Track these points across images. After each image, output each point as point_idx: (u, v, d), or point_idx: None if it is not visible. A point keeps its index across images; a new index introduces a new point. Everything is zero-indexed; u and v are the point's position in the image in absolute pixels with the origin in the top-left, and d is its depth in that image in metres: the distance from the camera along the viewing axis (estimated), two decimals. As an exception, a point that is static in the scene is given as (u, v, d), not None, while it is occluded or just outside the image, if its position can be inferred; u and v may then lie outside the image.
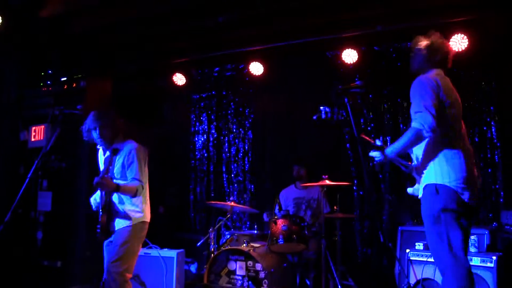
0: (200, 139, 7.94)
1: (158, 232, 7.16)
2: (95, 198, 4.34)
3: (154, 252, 5.94)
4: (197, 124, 7.98)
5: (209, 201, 7.62)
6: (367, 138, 3.72)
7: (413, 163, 3.60)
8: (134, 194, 4.14)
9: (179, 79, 7.37)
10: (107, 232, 4.16)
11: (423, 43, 3.64)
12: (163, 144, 7.99)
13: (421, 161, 3.44)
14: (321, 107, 3.94)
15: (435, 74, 3.51)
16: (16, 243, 6.17)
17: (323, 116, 3.92)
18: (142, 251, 5.95)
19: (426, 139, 3.30)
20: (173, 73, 7.32)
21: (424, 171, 3.40)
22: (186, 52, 6.96)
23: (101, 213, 4.11)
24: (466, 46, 5.66)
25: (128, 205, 4.20)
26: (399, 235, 5.39)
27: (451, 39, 5.69)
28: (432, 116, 3.18)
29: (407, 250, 4.91)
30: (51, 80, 6.67)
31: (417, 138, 3.28)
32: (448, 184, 3.23)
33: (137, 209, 4.22)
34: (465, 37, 5.63)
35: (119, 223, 4.16)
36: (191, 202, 7.89)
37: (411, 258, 4.84)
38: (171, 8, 5.72)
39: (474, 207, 3.31)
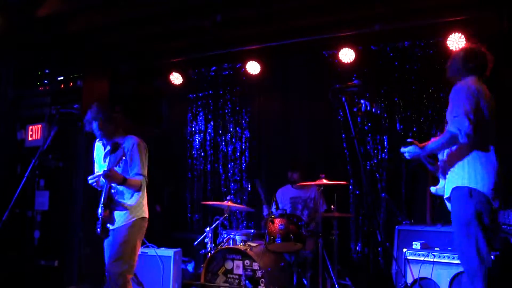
0: (197, 138, 7.94)
1: (155, 231, 7.15)
2: (99, 209, 4.24)
3: (151, 251, 5.93)
4: (194, 123, 7.97)
5: (205, 200, 7.64)
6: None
7: (439, 162, 3.63)
8: (138, 188, 4.15)
9: (176, 78, 7.37)
10: (107, 229, 4.13)
11: (460, 49, 3.70)
12: (160, 143, 7.98)
13: (450, 161, 3.47)
14: (362, 100, 3.99)
15: (474, 81, 3.52)
16: (13, 242, 6.16)
17: (363, 108, 3.97)
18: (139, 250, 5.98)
19: None
20: (170, 72, 7.32)
21: (454, 172, 3.43)
22: (183, 51, 6.97)
23: (102, 208, 4.08)
24: (464, 45, 5.67)
25: (128, 201, 4.18)
26: (396, 235, 5.39)
27: (448, 39, 5.71)
28: (469, 122, 3.21)
29: (404, 250, 4.92)
30: (48, 79, 6.66)
31: (452, 142, 3.34)
32: (481, 189, 3.27)
33: (137, 204, 4.19)
34: (463, 36, 5.64)
35: (119, 220, 4.12)
36: (188, 201, 7.89)
37: (408, 258, 4.84)
38: (167, 8, 5.71)
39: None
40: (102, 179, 4.12)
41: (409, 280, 4.79)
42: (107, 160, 4.21)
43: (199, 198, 7.77)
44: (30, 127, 6.59)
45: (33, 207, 6.45)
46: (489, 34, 5.65)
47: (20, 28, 5.91)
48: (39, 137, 6.49)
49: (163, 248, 6.00)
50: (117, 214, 4.13)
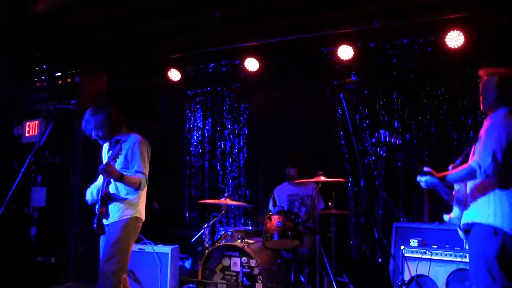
0: (195, 135, 7.93)
1: (152, 228, 7.15)
2: (92, 191, 4.28)
3: (149, 248, 5.93)
4: (192, 120, 7.96)
5: (203, 196, 7.64)
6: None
7: (455, 192, 3.59)
8: (137, 186, 4.08)
9: (174, 74, 7.35)
10: (103, 224, 4.07)
11: (494, 79, 3.44)
12: (158, 140, 7.96)
13: (474, 195, 3.37)
14: (381, 131, 3.94)
15: (509, 113, 3.28)
16: (9, 239, 6.15)
17: (382, 139, 3.91)
18: (136, 246, 5.96)
19: None
20: (168, 68, 7.30)
21: (476, 207, 3.33)
22: (181, 47, 6.95)
23: (99, 204, 4.04)
24: (462, 43, 5.67)
25: (124, 197, 4.12)
26: (393, 232, 5.40)
27: (447, 36, 5.70)
28: (492, 160, 3.10)
29: (402, 247, 4.92)
30: (45, 75, 6.65)
31: (470, 176, 3.25)
32: (507, 230, 3.15)
33: (133, 203, 4.14)
34: (461, 34, 5.64)
35: (114, 215, 4.07)
36: (186, 198, 7.88)
37: (406, 255, 4.85)
38: (166, 4, 5.69)
39: None
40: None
41: (407, 277, 4.79)
42: (107, 156, 4.16)
43: (197, 195, 7.77)
44: (27, 123, 6.57)
45: (30, 203, 6.44)
46: (488, 32, 5.66)
47: (17, 24, 5.89)
48: (36, 133, 6.47)
49: (161, 245, 6.00)
50: (112, 209, 4.08)
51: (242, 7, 5.77)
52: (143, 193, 4.26)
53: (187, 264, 6.55)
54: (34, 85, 6.67)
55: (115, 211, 4.08)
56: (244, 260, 4.96)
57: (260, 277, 4.86)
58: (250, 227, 5.74)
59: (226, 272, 5.01)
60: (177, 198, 7.94)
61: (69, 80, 6.44)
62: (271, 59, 6.94)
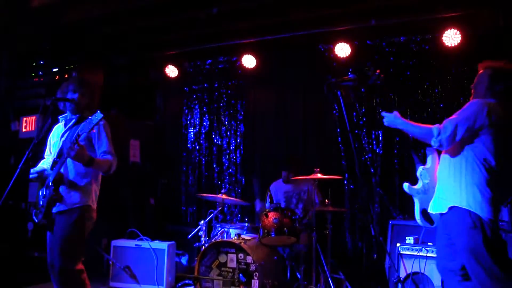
0: (192, 132, 7.93)
1: (149, 224, 7.18)
2: (42, 192, 3.80)
3: (145, 244, 5.94)
4: (189, 116, 7.96)
5: (200, 192, 7.64)
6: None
7: (426, 165, 3.69)
8: (108, 169, 3.75)
9: (171, 71, 7.36)
10: (51, 213, 3.69)
11: (488, 72, 3.51)
12: (154, 135, 7.97)
13: (448, 175, 3.39)
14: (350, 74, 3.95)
15: (495, 105, 3.32)
16: (6, 234, 6.15)
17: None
18: (133, 242, 5.99)
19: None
20: (165, 65, 7.31)
21: (449, 187, 3.35)
22: (179, 44, 6.96)
23: (51, 188, 3.64)
24: (459, 41, 5.69)
25: (79, 182, 3.76)
26: (389, 229, 5.41)
27: (444, 34, 5.72)
28: (452, 132, 3.23)
29: (398, 244, 4.95)
30: (42, 70, 6.64)
31: (426, 136, 3.37)
32: (482, 216, 3.16)
33: (87, 189, 3.78)
34: (458, 32, 5.66)
35: (69, 201, 3.70)
36: (183, 194, 7.89)
37: (402, 252, 4.87)
38: (163, 0, 5.69)
39: None
40: (48, 167, 3.80)
41: (402, 274, 4.82)
42: (64, 136, 3.83)
43: (194, 191, 7.77)
44: (24, 119, 6.58)
45: (27, 199, 6.43)
46: (485, 31, 5.68)
47: (15, 18, 5.88)
48: (33, 129, 6.47)
49: (157, 241, 6.01)
50: (64, 192, 3.70)
51: (239, 4, 5.77)
52: (98, 178, 3.92)
53: (184, 260, 6.56)
54: (32, 80, 6.67)
55: (70, 196, 3.72)
56: (240, 256, 4.97)
57: (257, 273, 4.87)
58: (246, 224, 5.75)
59: (222, 269, 5.02)
60: (174, 194, 7.94)
61: (66, 75, 6.44)
62: (268, 56, 6.95)
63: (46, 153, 4.12)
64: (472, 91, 3.60)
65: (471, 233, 3.17)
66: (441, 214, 3.40)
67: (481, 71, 3.59)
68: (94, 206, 3.86)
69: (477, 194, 3.19)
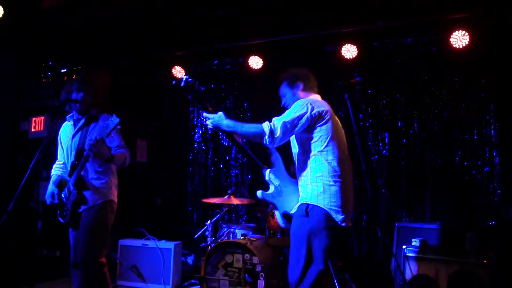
0: (198, 132, 7.95)
1: (155, 224, 7.21)
2: (53, 192, 3.97)
3: (152, 243, 5.98)
4: (196, 117, 7.98)
5: (206, 193, 7.67)
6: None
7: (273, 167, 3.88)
8: (123, 162, 3.90)
9: (178, 71, 7.36)
10: (77, 213, 3.85)
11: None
12: (161, 136, 8.00)
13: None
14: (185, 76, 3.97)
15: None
16: (16, 233, 6.19)
17: (183, 84, 3.94)
18: (139, 242, 6.03)
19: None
20: (172, 65, 7.32)
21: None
22: (185, 45, 6.97)
23: (73, 189, 3.79)
24: (467, 43, 5.66)
25: (97, 181, 3.92)
26: (395, 231, 5.42)
27: (451, 36, 5.69)
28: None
29: (404, 246, 4.95)
30: (51, 71, 6.68)
31: (254, 136, 3.52)
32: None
33: (106, 186, 3.96)
34: (466, 34, 5.62)
35: (91, 200, 3.87)
36: (189, 195, 7.91)
37: (408, 254, 4.87)
38: (170, 1, 5.71)
39: None
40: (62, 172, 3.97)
41: (408, 276, 4.82)
42: (76, 137, 3.93)
43: (200, 192, 7.80)
44: (33, 119, 6.62)
45: (38, 198, 6.48)
46: (493, 32, 5.65)
47: (24, 20, 5.92)
48: (42, 129, 6.51)
49: (164, 241, 6.05)
50: (88, 193, 3.86)
51: (245, 5, 5.79)
52: (115, 175, 4.07)
53: (190, 260, 6.59)
54: (40, 81, 6.72)
55: (91, 196, 3.87)
56: (246, 256, 4.99)
57: (263, 273, 4.88)
58: (252, 224, 5.76)
59: (228, 269, 5.04)
60: (180, 194, 7.97)
61: (74, 76, 6.48)
62: (274, 57, 6.94)
63: (59, 153, 4.20)
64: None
65: None
66: None
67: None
68: (116, 199, 4.05)
69: None
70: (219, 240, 5.33)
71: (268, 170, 3.72)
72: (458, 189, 5.93)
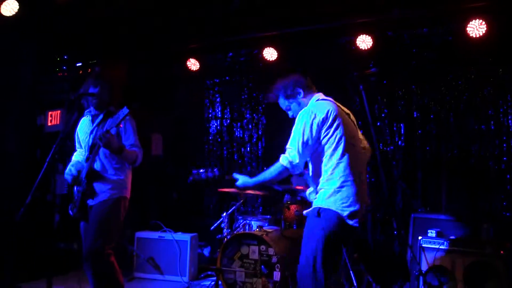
0: (214, 124, 7.97)
1: (172, 216, 7.26)
2: (71, 169, 4.04)
3: (168, 235, 6.03)
4: (211, 109, 8.01)
5: (221, 185, 7.70)
6: None
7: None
8: (134, 161, 3.92)
9: (193, 64, 7.38)
10: (86, 206, 3.89)
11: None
12: (176, 129, 8.04)
13: None
14: (194, 171, 4.02)
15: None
16: (33, 226, 6.28)
17: (196, 177, 4.01)
18: (156, 234, 6.08)
19: None
20: (187, 58, 7.33)
21: None
22: (200, 37, 6.97)
23: (84, 182, 3.84)
24: (484, 32, 5.58)
25: (111, 177, 3.95)
26: (411, 222, 5.40)
27: (468, 25, 5.61)
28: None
29: (419, 237, 4.93)
30: (66, 65, 6.73)
31: (281, 174, 3.56)
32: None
33: (121, 182, 3.99)
34: (484, 22, 5.54)
35: (101, 195, 3.90)
36: (205, 187, 7.94)
37: (423, 245, 4.85)
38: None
39: None
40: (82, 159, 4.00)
41: (424, 267, 4.80)
42: (94, 132, 3.96)
43: (216, 184, 7.82)
44: (50, 113, 6.68)
45: (54, 191, 6.54)
46: (510, 21, 5.57)
47: (40, 14, 5.96)
48: (58, 122, 6.58)
49: (180, 233, 6.10)
50: (98, 188, 3.89)
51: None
52: (130, 172, 4.10)
53: (206, 252, 6.63)
54: (56, 75, 6.77)
55: (102, 190, 3.90)
56: (262, 248, 5.01)
57: (278, 265, 4.90)
58: (268, 216, 5.78)
59: (244, 260, 5.07)
60: (196, 186, 8.00)
61: (89, 70, 6.53)
62: (289, 48, 6.92)
63: (77, 146, 4.29)
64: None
65: None
66: None
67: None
68: (128, 196, 4.07)
69: None
70: (235, 232, 5.36)
71: (307, 192, 3.75)
72: (474, 179, 5.88)
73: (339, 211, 3.33)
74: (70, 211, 4.00)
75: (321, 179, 3.46)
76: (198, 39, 7.02)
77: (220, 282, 4.91)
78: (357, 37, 6.22)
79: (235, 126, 7.79)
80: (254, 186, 3.65)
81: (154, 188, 7.48)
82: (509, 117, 5.83)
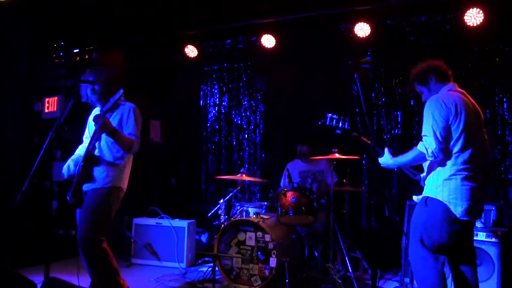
0: (212, 111, 7.99)
1: (169, 202, 7.30)
2: (69, 164, 4.04)
3: (166, 222, 6.06)
4: (209, 96, 8.01)
5: (219, 172, 7.74)
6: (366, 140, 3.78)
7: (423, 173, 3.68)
8: (129, 148, 3.89)
9: (191, 51, 7.37)
10: (81, 191, 3.86)
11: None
12: (175, 116, 8.05)
13: None
14: (328, 114, 3.99)
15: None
16: (31, 212, 6.31)
17: (328, 122, 3.98)
18: (153, 220, 6.12)
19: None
20: (185, 45, 7.32)
21: None
22: (198, 24, 6.95)
23: (80, 165, 3.82)
24: (481, 20, 5.58)
25: (109, 164, 3.95)
26: (407, 210, 5.43)
27: (466, 14, 5.62)
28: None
29: (414, 225, 4.96)
30: (63, 51, 6.71)
31: (420, 160, 3.52)
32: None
33: (118, 171, 3.99)
34: (481, 11, 5.55)
35: (98, 181, 3.90)
36: (203, 173, 7.99)
37: (418, 233, 4.88)
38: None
39: None
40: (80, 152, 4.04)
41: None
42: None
43: (214, 170, 7.87)
44: (47, 99, 6.67)
45: (51, 178, 6.57)
46: (508, 9, 5.57)
47: (36, 0, 5.94)
48: (55, 109, 6.57)
49: (178, 219, 6.14)
50: (97, 172, 3.90)
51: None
52: (129, 162, 4.12)
53: (203, 238, 6.68)
54: (53, 61, 6.74)
55: (98, 177, 3.90)
56: (259, 235, 5.05)
57: (275, 251, 4.95)
58: (265, 203, 5.81)
59: (241, 246, 5.12)
60: (194, 173, 8.05)
61: (87, 56, 6.51)
62: (287, 36, 6.91)
63: (85, 136, 4.31)
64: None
65: None
66: None
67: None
68: (125, 187, 4.07)
69: None
70: (232, 218, 5.39)
71: (422, 175, 3.77)
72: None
73: (447, 202, 3.30)
74: (68, 198, 3.93)
75: (432, 168, 3.46)
76: (196, 25, 7.00)
77: (217, 268, 4.95)
78: (355, 25, 6.21)
79: (233, 113, 7.80)
80: (393, 165, 3.68)
81: (153, 175, 7.51)
82: (505, 105, 5.85)
